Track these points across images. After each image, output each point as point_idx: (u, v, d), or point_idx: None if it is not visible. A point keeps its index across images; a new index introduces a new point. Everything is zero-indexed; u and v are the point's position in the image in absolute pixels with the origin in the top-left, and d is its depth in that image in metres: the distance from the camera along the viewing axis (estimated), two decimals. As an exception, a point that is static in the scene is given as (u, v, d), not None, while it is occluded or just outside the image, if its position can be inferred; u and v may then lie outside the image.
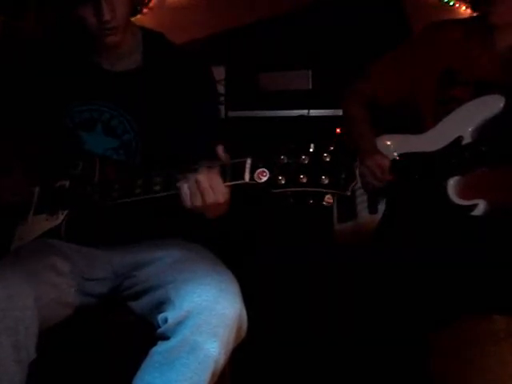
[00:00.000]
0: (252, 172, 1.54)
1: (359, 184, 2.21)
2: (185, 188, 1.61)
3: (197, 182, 1.59)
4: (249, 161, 1.56)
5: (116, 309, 1.81)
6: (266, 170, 1.53)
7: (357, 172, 1.52)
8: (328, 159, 1.48)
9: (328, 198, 1.51)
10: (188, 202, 1.61)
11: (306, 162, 1.49)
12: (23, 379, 1.56)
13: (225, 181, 1.59)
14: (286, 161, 1.51)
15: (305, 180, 1.49)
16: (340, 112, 2.51)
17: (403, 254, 1.92)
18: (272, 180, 1.52)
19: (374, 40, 3.08)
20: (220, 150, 1.63)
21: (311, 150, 1.50)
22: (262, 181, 1.53)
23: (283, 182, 1.50)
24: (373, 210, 2.19)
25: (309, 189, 1.50)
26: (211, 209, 1.63)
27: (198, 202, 1.60)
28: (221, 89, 2.87)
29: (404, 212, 2.08)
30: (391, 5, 3.21)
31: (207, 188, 1.58)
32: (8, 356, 1.52)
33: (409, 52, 2.20)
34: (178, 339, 1.55)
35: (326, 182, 1.48)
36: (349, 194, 1.49)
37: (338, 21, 3.27)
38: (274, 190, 1.52)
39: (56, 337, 1.68)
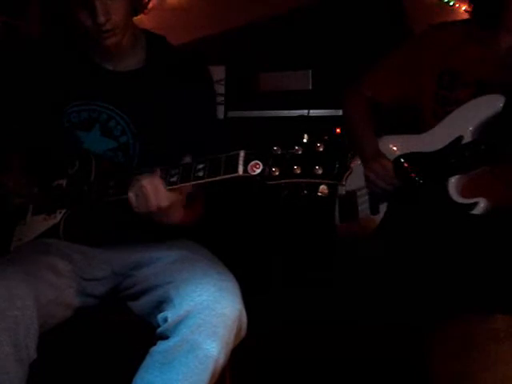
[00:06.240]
0: (245, 164, 1.53)
1: (357, 184, 2.22)
2: (131, 193, 1.65)
3: (141, 186, 1.62)
4: (242, 153, 1.55)
5: (116, 309, 1.81)
6: (259, 162, 1.51)
7: (352, 163, 1.51)
8: (322, 149, 1.47)
9: (322, 189, 1.49)
10: (134, 207, 1.66)
11: (300, 152, 1.48)
12: (23, 379, 1.55)
13: (169, 184, 1.62)
14: (279, 152, 1.50)
15: (299, 171, 1.47)
16: (340, 112, 2.51)
17: (403, 252, 1.93)
18: (266, 172, 1.50)
19: (374, 40, 3.08)
20: (187, 159, 1.65)
21: (305, 140, 1.48)
22: (256, 173, 1.51)
23: (277, 173, 1.49)
24: (374, 210, 2.18)
25: (303, 180, 1.48)
26: (158, 214, 1.65)
27: (143, 208, 1.64)
28: (221, 89, 2.86)
29: (405, 210, 2.08)
30: (391, 5, 3.21)
31: (149, 193, 1.61)
32: (8, 356, 1.52)
33: (409, 54, 2.20)
34: (177, 339, 1.55)
35: (320, 172, 1.46)
36: (343, 183, 1.47)
37: (338, 21, 3.27)
38: (268, 182, 1.50)
39: (56, 337, 1.68)
